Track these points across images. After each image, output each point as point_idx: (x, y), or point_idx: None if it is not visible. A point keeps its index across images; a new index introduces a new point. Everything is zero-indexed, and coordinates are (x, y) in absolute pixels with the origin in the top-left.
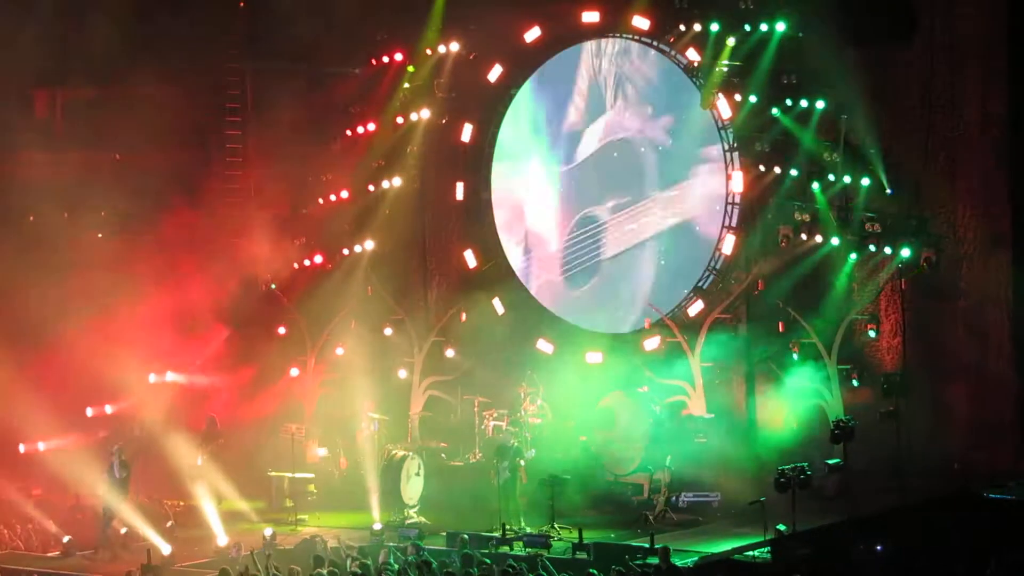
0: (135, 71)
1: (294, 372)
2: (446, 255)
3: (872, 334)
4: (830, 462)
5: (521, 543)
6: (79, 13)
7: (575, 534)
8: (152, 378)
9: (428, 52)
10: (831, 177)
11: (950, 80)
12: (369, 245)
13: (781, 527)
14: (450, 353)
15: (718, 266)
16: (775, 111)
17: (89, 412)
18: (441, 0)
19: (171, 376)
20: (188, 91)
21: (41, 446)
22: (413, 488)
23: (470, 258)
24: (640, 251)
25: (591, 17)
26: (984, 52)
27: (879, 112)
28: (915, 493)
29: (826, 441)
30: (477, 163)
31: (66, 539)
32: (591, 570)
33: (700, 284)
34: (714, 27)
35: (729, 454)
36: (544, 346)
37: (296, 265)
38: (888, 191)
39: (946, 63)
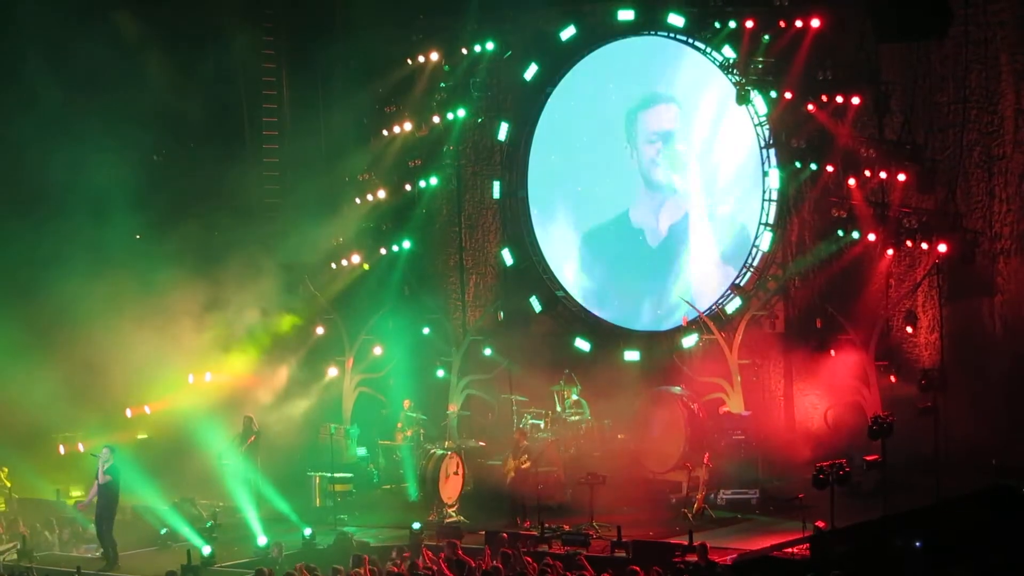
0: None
1: (332, 372)
2: (483, 254)
3: (909, 330)
4: (868, 458)
5: (560, 541)
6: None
7: (614, 532)
8: (191, 378)
9: (464, 51)
10: (867, 173)
11: (985, 75)
12: (406, 244)
13: (820, 524)
14: (488, 352)
15: (755, 263)
16: (811, 107)
17: (128, 413)
18: None
19: (210, 376)
20: (226, 93)
21: (81, 447)
22: (452, 487)
23: (507, 257)
24: (677, 249)
25: (626, 15)
26: (1018, 46)
27: (914, 107)
28: (953, 489)
29: (864, 437)
30: (513, 161)
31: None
32: (631, 568)
33: (737, 281)
34: (749, 24)
35: (767, 451)
36: (581, 344)
37: (334, 265)
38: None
39: (980, 58)
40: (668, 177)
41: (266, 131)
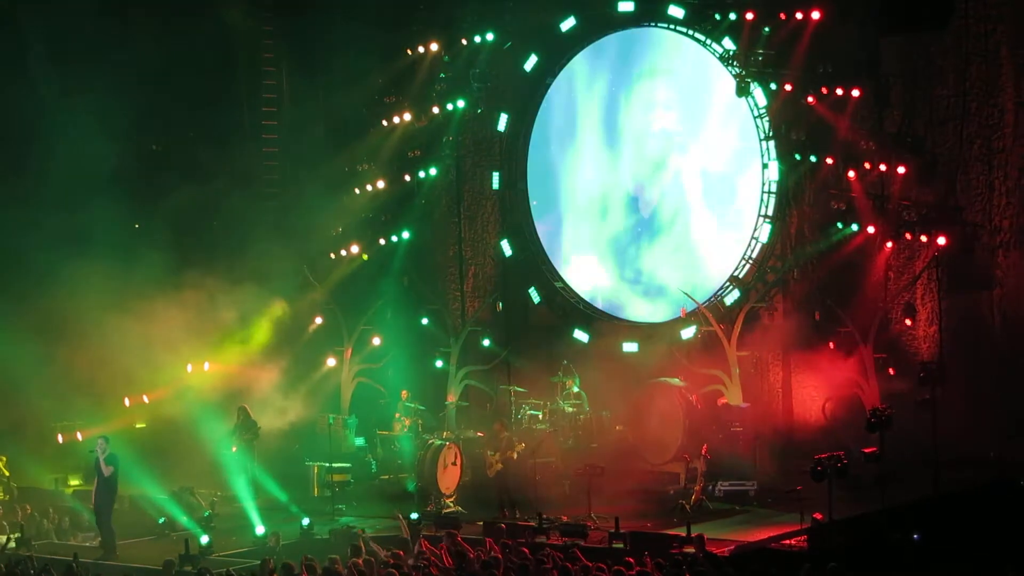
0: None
1: (331, 362)
2: (482, 245)
3: (908, 323)
4: (866, 451)
5: (558, 532)
6: None
7: (611, 523)
8: (189, 368)
9: (464, 42)
10: (867, 165)
11: (985, 68)
12: (405, 235)
13: (817, 516)
14: (486, 343)
15: (754, 255)
16: (810, 99)
17: (127, 402)
18: None
19: (208, 366)
20: (226, 82)
21: (79, 436)
22: (450, 477)
23: (506, 248)
24: (677, 240)
25: (626, 6)
26: (1019, 39)
27: (915, 100)
28: (951, 482)
29: (862, 430)
30: (513, 152)
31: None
32: (628, 559)
33: (736, 273)
34: (749, 15)
35: (765, 443)
36: (580, 335)
37: (333, 255)
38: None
39: (981, 50)
40: (666, 154)
41: (265, 121)
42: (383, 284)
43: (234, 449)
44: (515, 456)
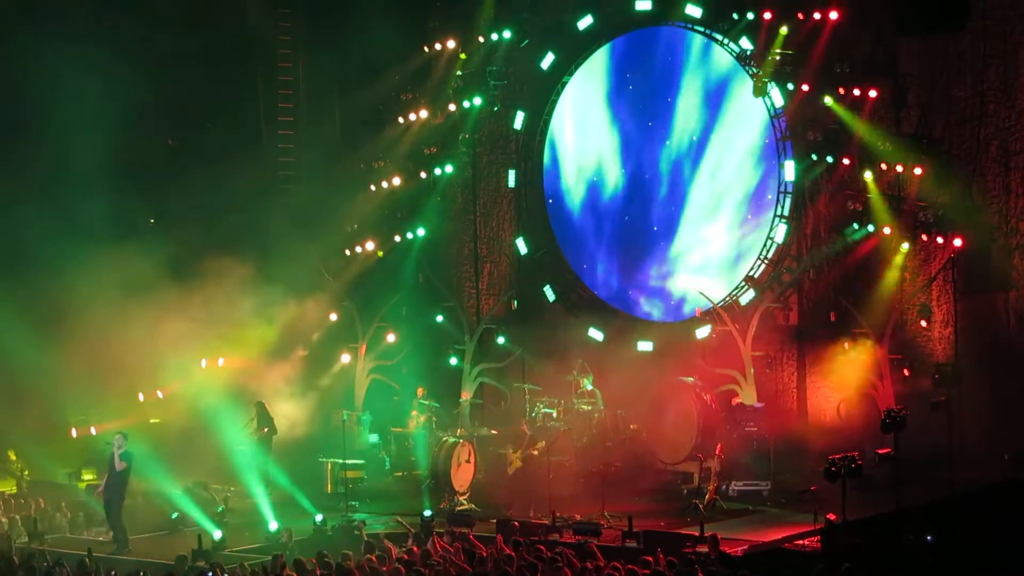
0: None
1: (345, 358)
2: (497, 242)
3: (924, 324)
4: (881, 452)
5: (571, 530)
6: None
7: (625, 522)
8: (203, 363)
9: (481, 39)
10: (883, 166)
11: (1002, 69)
12: (421, 232)
13: (831, 516)
14: (501, 340)
15: (770, 255)
16: (828, 100)
17: (141, 397)
18: None
19: (222, 361)
20: (242, 78)
21: (93, 430)
22: (463, 475)
23: (521, 245)
24: (692, 239)
25: (644, 5)
26: None
27: (932, 101)
28: (965, 483)
29: (877, 431)
30: (528, 150)
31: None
32: (643, 558)
33: (752, 273)
34: (767, 15)
35: (779, 443)
36: (595, 334)
37: (348, 252)
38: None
39: (999, 52)
40: (682, 153)
41: (282, 116)
42: (398, 281)
43: (249, 444)
44: (536, 453)
